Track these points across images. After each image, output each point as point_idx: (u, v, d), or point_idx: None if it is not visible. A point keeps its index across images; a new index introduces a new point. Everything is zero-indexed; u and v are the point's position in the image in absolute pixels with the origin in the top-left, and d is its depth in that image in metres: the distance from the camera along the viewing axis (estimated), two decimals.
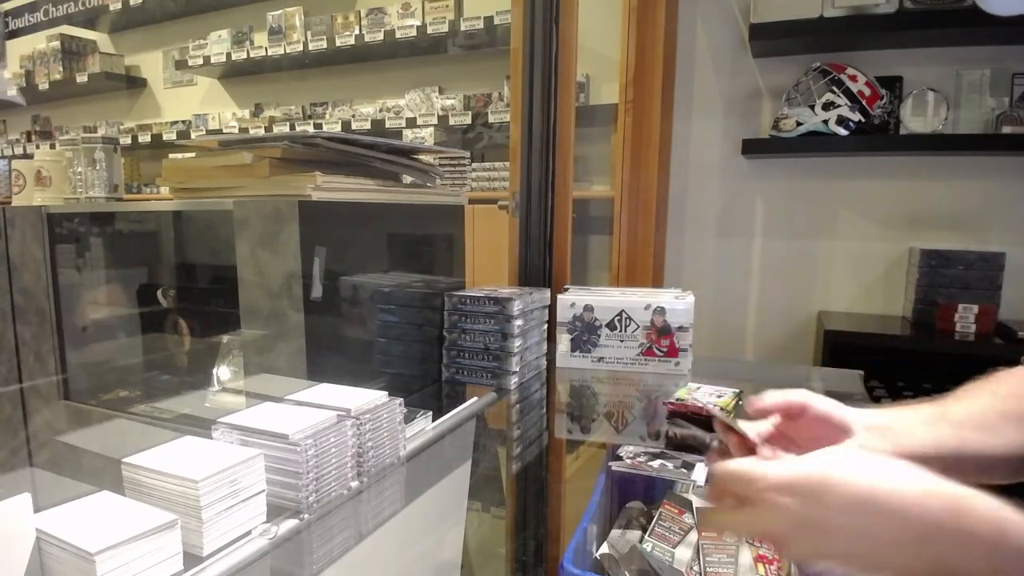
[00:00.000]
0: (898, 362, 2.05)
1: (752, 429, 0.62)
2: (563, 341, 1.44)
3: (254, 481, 0.67)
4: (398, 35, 2.99)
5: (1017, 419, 0.55)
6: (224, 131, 3.70)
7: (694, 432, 0.92)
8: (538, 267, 1.70)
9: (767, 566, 0.68)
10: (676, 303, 1.37)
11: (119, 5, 3.65)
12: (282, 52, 3.30)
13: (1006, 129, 2.01)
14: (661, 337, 1.38)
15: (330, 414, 0.76)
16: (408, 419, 0.89)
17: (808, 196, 2.36)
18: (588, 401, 1.36)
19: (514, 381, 1.30)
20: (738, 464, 0.48)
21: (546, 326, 1.48)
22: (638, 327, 1.39)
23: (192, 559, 0.60)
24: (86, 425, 1.31)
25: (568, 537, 0.66)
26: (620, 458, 0.86)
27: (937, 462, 0.47)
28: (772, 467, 0.45)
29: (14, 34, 4.34)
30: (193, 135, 3.78)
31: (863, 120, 2.09)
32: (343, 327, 1.12)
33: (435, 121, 3.10)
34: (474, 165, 2.80)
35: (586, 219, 2.73)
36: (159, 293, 1.43)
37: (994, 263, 2.03)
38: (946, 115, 2.09)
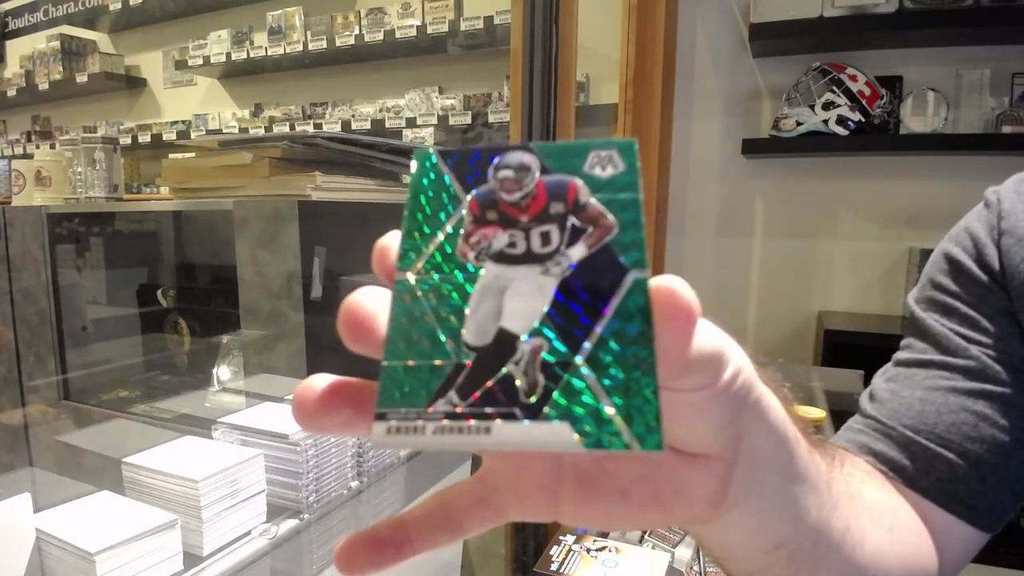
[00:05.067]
0: None
1: None
2: None
3: (254, 481, 0.67)
4: (398, 35, 2.99)
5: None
6: (224, 131, 3.70)
7: None
8: None
9: None
10: None
11: (119, 5, 3.65)
12: (282, 52, 3.30)
13: (1006, 129, 2.01)
14: None
15: None
16: None
17: (808, 196, 2.36)
18: None
19: None
20: None
21: None
22: None
23: (192, 559, 0.60)
24: (86, 425, 1.31)
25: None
26: None
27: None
28: None
29: (14, 34, 4.36)
30: (193, 135, 3.78)
31: (863, 120, 2.09)
32: None
33: (435, 121, 3.10)
34: None
35: None
36: (159, 293, 1.43)
37: None
38: (946, 115, 2.09)
